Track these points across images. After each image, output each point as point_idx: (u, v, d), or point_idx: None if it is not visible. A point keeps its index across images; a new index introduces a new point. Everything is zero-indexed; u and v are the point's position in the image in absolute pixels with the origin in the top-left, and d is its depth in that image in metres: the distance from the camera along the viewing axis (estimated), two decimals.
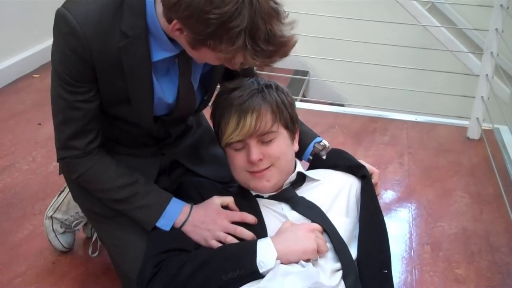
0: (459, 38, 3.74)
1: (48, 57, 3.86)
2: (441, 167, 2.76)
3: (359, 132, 3.08)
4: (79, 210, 1.91)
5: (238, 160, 1.52)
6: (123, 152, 1.60)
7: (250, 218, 1.49)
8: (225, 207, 1.53)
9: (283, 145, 1.53)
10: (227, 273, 1.35)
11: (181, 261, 1.40)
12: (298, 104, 3.46)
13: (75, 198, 1.72)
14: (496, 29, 2.93)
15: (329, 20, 3.69)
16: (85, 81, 1.40)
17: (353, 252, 1.50)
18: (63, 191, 1.99)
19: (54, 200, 1.99)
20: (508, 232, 2.26)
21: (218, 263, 1.39)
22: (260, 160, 1.49)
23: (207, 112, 1.65)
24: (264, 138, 1.49)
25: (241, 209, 1.53)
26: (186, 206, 1.53)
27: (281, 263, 1.36)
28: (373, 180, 1.65)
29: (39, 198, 2.29)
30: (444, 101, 3.80)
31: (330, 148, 1.74)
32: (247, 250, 1.39)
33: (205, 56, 1.32)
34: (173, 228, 1.51)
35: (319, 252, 1.41)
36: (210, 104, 1.61)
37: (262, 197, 1.57)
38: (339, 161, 1.67)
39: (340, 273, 1.42)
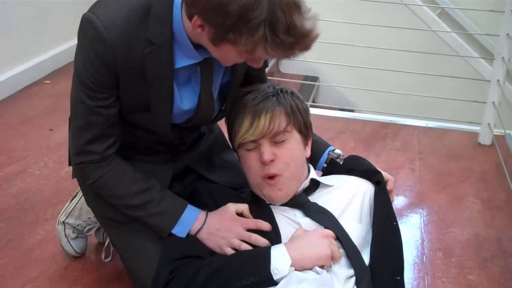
0: (470, 43, 3.73)
1: (59, 63, 3.93)
2: (453, 173, 2.75)
3: (370, 138, 3.08)
4: (92, 215, 1.92)
5: (251, 160, 1.53)
6: (137, 158, 1.60)
7: (265, 226, 1.49)
8: (240, 214, 1.54)
9: (295, 148, 1.54)
10: (241, 280, 1.35)
11: (195, 268, 1.40)
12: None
13: (89, 203, 1.72)
14: (508, 34, 2.92)
15: (339, 25, 3.69)
16: (108, 87, 1.41)
17: (366, 258, 1.50)
18: (75, 196, 1.99)
19: (66, 205, 1.99)
20: None
21: (232, 270, 1.39)
22: (272, 161, 1.49)
23: None
24: (277, 139, 1.50)
25: (255, 216, 1.53)
26: (202, 214, 1.53)
27: (295, 270, 1.36)
28: (388, 187, 1.65)
29: (51, 203, 2.30)
30: (455, 107, 3.79)
31: (344, 156, 1.74)
32: (261, 257, 1.39)
33: (228, 54, 1.31)
34: (188, 235, 1.51)
35: (333, 259, 1.41)
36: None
37: (275, 204, 1.57)
38: (356, 165, 1.68)
39: (353, 279, 1.41)
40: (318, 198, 1.56)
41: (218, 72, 1.51)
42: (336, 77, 4.64)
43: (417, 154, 2.91)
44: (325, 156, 1.74)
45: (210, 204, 1.58)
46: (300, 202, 1.54)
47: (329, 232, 1.44)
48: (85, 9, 1.40)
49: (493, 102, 3.03)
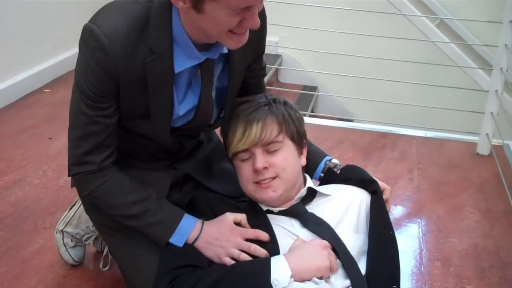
0: (468, 54, 3.75)
1: (59, 72, 3.94)
2: (451, 183, 2.75)
3: (369, 148, 3.08)
4: (90, 224, 1.92)
5: (245, 170, 1.55)
6: (136, 166, 1.61)
7: (264, 236, 1.49)
8: (238, 224, 1.54)
9: (288, 156, 1.56)
10: None
11: (195, 278, 1.40)
12: (307, 120, 3.46)
13: (87, 211, 1.73)
14: (506, 45, 2.93)
15: (338, 35, 3.71)
16: (108, 97, 1.41)
17: (362, 268, 1.50)
18: (74, 205, 2.00)
19: (65, 214, 2.00)
20: None
21: (232, 280, 1.39)
22: (265, 168, 1.52)
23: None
24: (269, 148, 1.53)
25: (252, 226, 1.53)
26: (198, 222, 1.54)
27: (295, 281, 1.36)
28: (384, 197, 1.65)
29: (50, 212, 2.30)
30: (454, 117, 3.80)
31: (342, 166, 1.75)
32: (261, 268, 1.39)
33: (216, 16, 1.28)
34: (185, 244, 1.52)
35: (331, 270, 1.41)
36: None
37: (272, 212, 1.57)
38: (352, 175, 1.69)
39: None
40: (315, 207, 1.57)
41: (216, 75, 1.52)
42: (335, 87, 4.65)
43: (415, 164, 2.92)
44: (321, 165, 1.75)
45: (207, 213, 1.59)
46: (297, 211, 1.55)
47: (327, 243, 1.45)
48: (85, 19, 1.41)
49: (491, 113, 3.03)
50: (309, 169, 1.72)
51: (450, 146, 3.15)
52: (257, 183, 1.54)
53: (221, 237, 1.50)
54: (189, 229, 1.52)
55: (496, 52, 3.03)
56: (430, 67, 3.81)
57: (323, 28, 3.66)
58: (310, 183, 1.62)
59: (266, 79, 1.84)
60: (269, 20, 1.59)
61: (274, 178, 1.53)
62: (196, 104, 1.52)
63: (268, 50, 1.71)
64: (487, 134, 3.04)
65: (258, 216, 1.56)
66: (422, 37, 3.39)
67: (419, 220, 2.43)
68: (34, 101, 3.43)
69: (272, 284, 1.35)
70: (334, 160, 1.77)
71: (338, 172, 1.73)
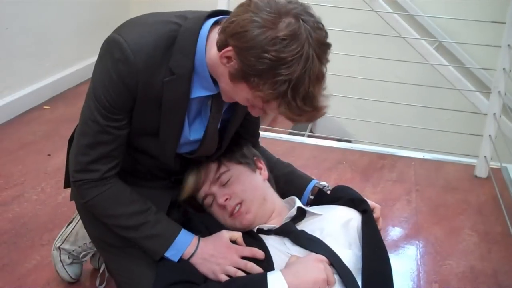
0: (467, 76, 3.76)
1: (59, 89, 3.95)
2: (449, 205, 2.75)
3: (367, 169, 3.09)
4: (87, 241, 1.92)
5: (216, 212, 1.64)
6: (136, 184, 1.60)
7: (260, 254, 1.50)
8: (233, 242, 1.55)
9: (242, 178, 1.62)
10: None
11: None
12: (306, 140, 3.48)
13: (86, 225, 1.73)
14: (504, 68, 2.95)
15: (337, 57, 3.70)
16: (123, 109, 1.42)
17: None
18: (71, 222, 1.99)
19: (62, 230, 1.99)
20: None
21: None
22: (227, 199, 1.59)
23: None
24: (222, 181, 1.61)
25: (247, 245, 1.55)
26: (195, 238, 1.54)
27: None
28: (375, 215, 1.68)
29: (47, 228, 2.29)
30: (452, 139, 3.81)
31: (330, 187, 1.79)
32: (257, 283, 1.39)
33: (239, 93, 1.33)
34: (181, 259, 1.52)
35: (328, 283, 1.41)
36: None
37: (263, 231, 1.60)
38: (342, 194, 1.71)
39: None
40: (306, 226, 1.59)
41: (224, 108, 1.54)
42: (334, 108, 4.61)
43: (413, 186, 2.92)
44: (309, 188, 1.78)
45: (203, 231, 1.60)
46: (288, 230, 1.57)
47: (323, 257, 1.45)
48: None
49: (489, 135, 3.05)
50: (296, 193, 1.75)
51: (448, 168, 3.16)
52: (231, 214, 1.59)
53: (218, 254, 1.50)
54: (185, 245, 1.52)
55: (494, 76, 3.04)
56: (428, 90, 3.83)
57: None
58: (299, 203, 1.65)
59: None
60: None
61: (241, 203, 1.59)
62: (202, 135, 1.54)
63: None
64: (485, 156, 3.05)
65: (252, 236, 1.58)
66: (421, 60, 3.41)
67: (417, 242, 2.43)
68: (33, 117, 3.43)
69: None
70: (322, 182, 1.81)
71: (328, 192, 1.74)
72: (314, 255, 1.46)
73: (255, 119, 1.75)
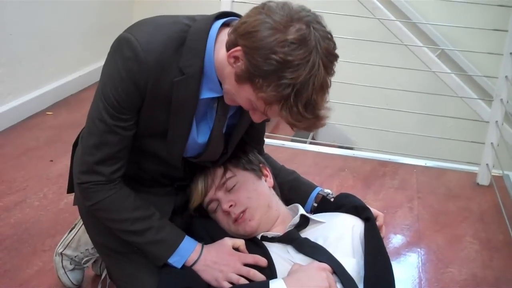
0: (469, 84, 3.76)
1: (61, 95, 3.96)
2: (451, 213, 2.75)
3: (369, 176, 3.09)
4: (89, 246, 1.92)
5: (220, 218, 1.63)
6: (139, 190, 1.60)
7: (262, 261, 1.50)
8: (236, 249, 1.55)
9: (248, 185, 1.63)
10: None
11: None
12: (308, 147, 3.48)
13: (88, 231, 1.73)
14: (506, 76, 2.95)
15: (339, 63, 3.72)
16: (131, 109, 1.42)
17: None
18: (73, 227, 2.00)
19: (64, 236, 1.99)
20: None
21: None
22: (232, 206, 1.58)
23: None
24: (227, 187, 1.61)
25: (250, 252, 1.55)
26: (198, 245, 1.55)
27: None
28: (378, 223, 1.68)
29: (49, 234, 2.30)
30: (454, 147, 3.81)
31: (334, 195, 1.78)
32: None
33: (243, 95, 1.33)
34: (184, 266, 1.52)
35: None
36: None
37: (267, 239, 1.60)
38: (346, 202, 1.71)
39: None
40: (309, 234, 1.59)
41: (230, 113, 1.54)
42: (336, 115, 4.62)
43: (415, 193, 2.92)
44: (313, 196, 1.78)
45: (206, 238, 1.60)
46: (291, 237, 1.57)
47: (326, 265, 1.45)
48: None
49: (491, 143, 3.05)
50: (300, 201, 1.76)
51: (450, 176, 3.16)
52: (235, 221, 1.59)
53: (220, 261, 1.50)
54: (189, 251, 1.53)
55: (496, 83, 3.05)
56: (431, 97, 3.84)
57: None
58: (302, 210, 1.66)
59: None
60: None
61: (245, 210, 1.59)
62: (207, 138, 1.54)
63: None
64: (487, 164, 3.05)
65: (255, 243, 1.58)
66: (424, 67, 3.42)
67: (419, 250, 2.43)
68: (36, 123, 3.44)
69: None
70: (326, 190, 1.81)
71: (332, 200, 1.75)
72: (317, 263, 1.46)
73: (260, 126, 1.76)
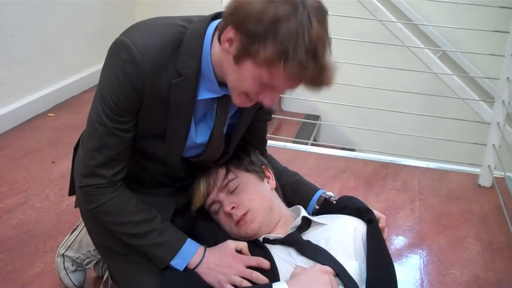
0: (471, 86, 3.76)
1: (63, 97, 3.96)
2: (453, 214, 2.75)
3: (371, 177, 3.08)
4: (91, 248, 1.92)
5: (222, 220, 1.64)
6: (141, 191, 1.61)
7: (265, 263, 1.51)
8: (239, 251, 1.55)
9: (250, 186, 1.63)
10: None
11: None
12: (309, 148, 3.48)
13: (90, 232, 1.73)
14: (508, 78, 2.95)
15: (341, 65, 3.72)
16: (129, 111, 1.43)
17: None
18: (75, 229, 2.00)
19: (66, 238, 1.99)
20: None
21: None
22: (234, 208, 1.59)
23: None
24: (230, 189, 1.62)
25: (253, 255, 1.55)
26: (201, 248, 1.55)
27: None
28: (380, 225, 1.68)
29: (51, 236, 2.30)
30: (456, 148, 3.81)
31: (336, 198, 1.78)
32: None
33: (246, 74, 1.31)
34: (186, 268, 1.52)
35: None
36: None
37: (269, 241, 1.60)
38: (348, 204, 1.72)
39: None
40: (311, 236, 1.59)
41: (230, 112, 1.55)
42: (338, 116, 4.67)
43: (417, 195, 2.92)
44: (315, 198, 1.79)
45: (209, 240, 1.60)
46: (293, 240, 1.57)
47: (329, 268, 1.45)
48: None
49: (493, 145, 3.04)
50: (302, 203, 1.76)
51: (452, 177, 3.15)
52: (237, 223, 1.59)
53: (223, 264, 1.50)
54: (191, 254, 1.53)
55: (498, 85, 3.04)
56: (432, 98, 3.83)
57: None
58: (304, 212, 1.66)
59: None
60: None
61: (247, 212, 1.59)
62: (208, 138, 1.54)
63: None
64: (489, 166, 3.05)
65: (258, 246, 1.59)
66: (425, 69, 3.41)
67: (421, 251, 2.42)
68: (38, 125, 3.44)
69: None
70: (329, 193, 1.81)
71: (334, 202, 1.75)
72: (319, 266, 1.46)
73: (262, 126, 1.76)
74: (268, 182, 1.70)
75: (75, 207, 1.72)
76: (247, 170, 1.66)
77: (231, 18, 1.30)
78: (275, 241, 1.59)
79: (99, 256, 1.91)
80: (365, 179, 3.06)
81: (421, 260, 2.36)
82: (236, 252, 1.54)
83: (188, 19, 1.45)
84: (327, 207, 1.75)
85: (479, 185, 3.07)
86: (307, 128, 4.44)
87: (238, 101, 1.40)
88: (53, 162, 2.94)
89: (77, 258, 1.96)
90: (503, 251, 2.45)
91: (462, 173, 3.21)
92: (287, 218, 1.67)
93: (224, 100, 1.48)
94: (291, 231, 1.60)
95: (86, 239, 1.89)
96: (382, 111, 3.71)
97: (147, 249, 1.55)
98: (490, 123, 3.08)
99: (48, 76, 3.74)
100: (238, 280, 1.47)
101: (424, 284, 2.20)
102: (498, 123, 3.02)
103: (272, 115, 1.80)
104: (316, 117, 4.76)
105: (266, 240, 1.60)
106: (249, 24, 1.26)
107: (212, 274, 1.50)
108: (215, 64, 1.40)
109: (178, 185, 1.69)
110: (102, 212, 1.54)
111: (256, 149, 1.76)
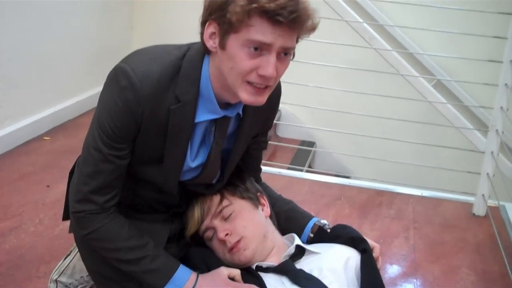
0: (465, 114, 3.79)
1: (59, 120, 3.95)
2: (447, 243, 2.75)
3: (365, 205, 3.09)
4: (84, 274, 1.91)
5: (216, 246, 1.64)
6: (134, 216, 1.61)
7: None
8: (232, 279, 1.55)
9: (244, 214, 1.63)
10: None
11: None
12: (304, 175, 3.49)
13: (84, 258, 1.72)
14: (501, 107, 2.98)
15: (336, 92, 3.76)
16: (126, 138, 1.43)
17: None
18: (69, 254, 1.99)
19: (59, 263, 1.98)
20: None
21: None
22: (228, 235, 1.59)
23: None
24: (224, 215, 1.62)
25: (246, 282, 1.55)
26: (193, 274, 1.54)
27: None
28: (374, 254, 1.68)
29: (44, 260, 2.29)
30: (450, 177, 3.82)
31: (330, 226, 1.79)
32: None
33: (235, 53, 1.33)
34: None
35: None
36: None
37: (262, 268, 1.60)
38: (342, 233, 1.71)
39: None
40: (305, 265, 1.59)
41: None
42: (333, 143, 4.68)
43: (411, 223, 2.92)
44: (309, 226, 1.79)
45: (202, 267, 1.60)
46: (286, 268, 1.57)
47: None
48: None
49: (487, 174, 3.06)
50: (297, 230, 1.76)
51: (446, 206, 3.16)
52: (231, 250, 1.59)
53: None
54: (183, 280, 1.52)
55: (492, 114, 3.07)
56: (427, 127, 3.85)
57: (323, 85, 3.72)
58: (298, 241, 1.66)
59: None
60: None
61: (240, 240, 1.59)
62: (204, 161, 1.55)
63: None
64: (483, 195, 3.05)
65: (251, 273, 1.58)
66: (419, 97, 3.44)
67: (415, 280, 2.42)
68: (33, 148, 3.44)
69: None
70: (323, 221, 1.81)
71: (329, 231, 1.75)
72: None
73: (257, 154, 1.77)
74: (262, 210, 1.70)
75: (69, 232, 1.72)
76: (242, 197, 1.66)
77: (204, 16, 1.37)
78: (268, 269, 1.59)
79: (92, 282, 1.90)
80: (359, 206, 3.07)
81: None
82: (229, 279, 1.54)
83: (186, 46, 1.47)
84: (322, 235, 1.75)
85: (473, 214, 3.08)
86: (302, 155, 4.44)
87: (245, 96, 1.38)
88: (48, 186, 2.94)
89: (70, 284, 1.95)
90: (497, 281, 2.45)
91: (456, 202, 3.22)
92: (280, 246, 1.67)
93: (222, 122, 1.50)
94: (285, 259, 1.60)
95: (80, 264, 1.88)
96: (377, 139, 3.72)
97: (139, 276, 1.54)
98: (484, 152, 3.10)
99: (45, 99, 3.75)
100: None
101: None
102: (492, 152, 3.04)
103: (268, 142, 1.81)
104: (312, 144, 4.77)
105: (259, 268, 1.60)
106: (216, 0, 1.32)
107: None
108: (214, 81, 1.42)
109: (173, 212, 1.69)
110: (94, 238, 1.54)
111: (251, 177, 1.77)
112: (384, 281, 1.64)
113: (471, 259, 2.61)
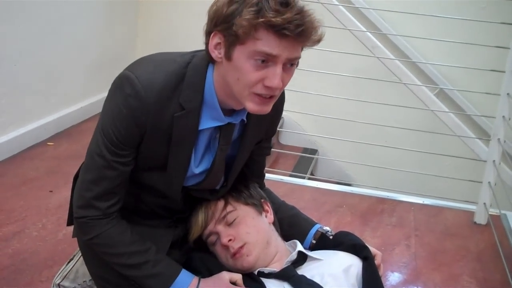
0: (467, 123, 3.80)
1: (63, 126, 3.97)
2: (448, 251, 2.75)
3: (367, 213, 3.09)
4: (87, 278, 1.92)
5: (219, 251, 1.64)
6: (137, 222, 1.62)
7: None
8: (233, 283, 1.55)
9: (248, 220, 1.64)
10: None
11: None
12: (306, 182, 3.50)
13: (87, 263, 1.73)
14: (503, 116, 2.99)
15: (339, 100, 3.77)
16: (130, 145, 1.45)
17: None
18: (72, 259, 1.99)
19: (62, 267, 1.99)
20: None
21: None
22: (231, 240, 1.59)
23: None
24: (228, 221, 1.62)
25: (248, 287, 1.55)
26: (195, 279, 1.55)
27: None
28: (376, 262, 1.69)
29: (47, 265, 2.30)
30: (452, 185, 3.82)
31: (333, 233, 1.79)
32: None
33: (241, 64, 1.34)
34: None
35: None
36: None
37: (263, 274, 1.60)
38: (345, 240, 1.72)
39: None
40: (306, 271, 1.60)
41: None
42: (335, 151, 4.69)
43: (413, 231, 2.92)
44: (312, 233, 1.79)
45: (204, 272, 1.61)
46: (288, 274, 1.58)
47: None
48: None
49: (489, 182, 3.06)
50: (299, 237, 1.76)
51: (447, 214, 3.16)
52: (233, 255, 1.60)
53: None
54: (185, 284, 1.53)
55: (494, 123, 3.08)
56: (429, 135, 3.87)
57: (325, 93, 3.74)
58: (300, 247, 1.66)
59: None
60: None
61: (243, 245, 1.60)
62: (208, 167, 1.56)
63: None
64: (484, 203, 3.06)
65: (252, 278, 1.59)
66: (422, 106, 3.45)
67: None
68: (37, 153, 3.45)
69: None
70: (326, 227, 1.82)
71: (331, 237, 1.76)
72: None
73: (261, 160, 1.78)
74: (266, 216, 1.71)
75: (73, 237, 1.73)
76: (246, 203, 1.67)
77: (210, 23, 1.37)
78: (270, 275, 1.60)
79: (95, 287, 1.91)
80: (361, 214, 3.07)
81: None
82: (230, 284, 1.54)
83: (191, 54, 1.48)
84: (324, 242, 1.75)
85: (475, 222, 3.08)
86: (305, 162, 4.45)
87: (251, 106, 1.39)
88: (51, 191, 2.95)
89: None
90: None
91: (458, 210, 3.22)
92: (283, 253, 1.67)
93: (226, 129, 1.51)
94: (287, 265, 1.61)
95: (83, 269, 1.89)
96: (379, 147, 3.73)
97: (142, 280, 1.55)
98: (486, 161, 3.10)
99: (49, 105, 3.76)
100: None
101: None
102: (494, 161, 3.05)
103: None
104: (314, 151, 4.78)
105: (261, 274, 1.61)
106: (222, 12, 1.33)
107: None
108: (218, 89, 1.43)
109: (176, 217, 1.69)
110: (97, 243, 1.55)
111: (255, 183, 1.78)
112: None
113: (472, 267, 2.62)
